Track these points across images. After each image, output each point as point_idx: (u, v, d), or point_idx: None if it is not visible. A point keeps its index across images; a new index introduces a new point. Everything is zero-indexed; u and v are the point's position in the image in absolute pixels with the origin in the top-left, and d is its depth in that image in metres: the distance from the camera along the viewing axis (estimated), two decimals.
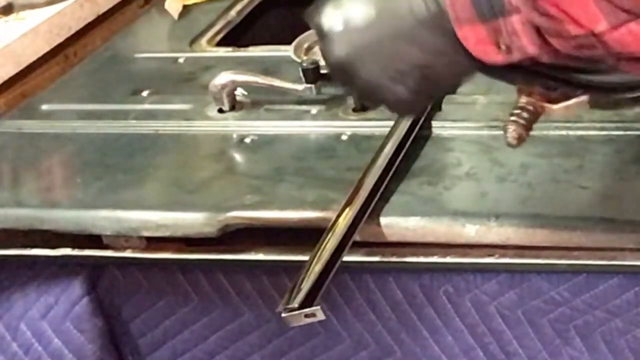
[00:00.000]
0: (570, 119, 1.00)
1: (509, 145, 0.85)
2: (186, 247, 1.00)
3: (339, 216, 0.91)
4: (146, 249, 1.01)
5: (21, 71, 1.35)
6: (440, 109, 1.08)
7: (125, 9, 1.52)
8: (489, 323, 0.94)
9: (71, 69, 1.36)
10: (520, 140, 0.85)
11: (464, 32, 0.71)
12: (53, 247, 1.02)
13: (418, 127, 1.04)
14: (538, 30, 0.69)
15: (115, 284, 1.03)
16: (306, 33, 1.25)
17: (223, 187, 1.02)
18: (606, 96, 0.83)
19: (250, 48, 1.31)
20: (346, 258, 0.89)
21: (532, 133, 1.00)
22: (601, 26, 0.66)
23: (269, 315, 1.00)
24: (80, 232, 1.01)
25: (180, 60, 1.31)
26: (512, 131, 0.85)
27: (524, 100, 0.85)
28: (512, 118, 0.85)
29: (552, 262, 0.89)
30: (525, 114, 0.85)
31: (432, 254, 0.92)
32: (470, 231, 0.90)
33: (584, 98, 0.84)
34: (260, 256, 0.97)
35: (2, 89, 1.32)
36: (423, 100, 0.82)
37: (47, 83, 1.34)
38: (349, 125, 1.08)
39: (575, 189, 0.92)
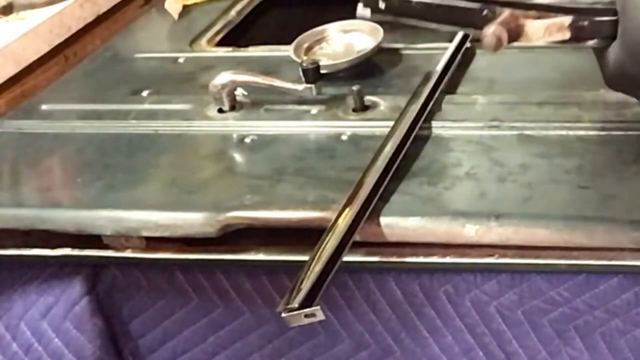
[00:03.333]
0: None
1: (487, 48, 0.86)
2: (186, 247, 1.00)
3: (338, 216, 0.91)
4: (146, 249, 1.01)
5: (21, 71, 1.35)
6: (440, 109, 1.08)
7: (125, 9, 1.53)
8: (488, 323, 0.94)
9: (71, 69, 1.36)
10: (499, 44, 0.85)
11: None
12: (53, 247, 1.02)
13: (418, 127, 1.04)
14: None
15: (115, 284, 1.03)
16: (306, 33, 1.25)
17: (223, 187, 1.02)
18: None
19: (250, 48, 1.32)
20: (346, 258, 0.89)
21: (531, 133, 1.01)
22: None
23: (269, 315, 1.00)
24: (80, 232, 1.01)
25: (180, 60, 1.31)
26: (492, 32, 0.85)
27: (505, 14, 0.86)
28: (494, 23, 0.85)
29: (552, 262, 0.89)
30: (505, 23, 0.86)
31: (432, 254, 0.92)
32: (470, 231, 0.90)
33: (565, 19, 0.86)
34: (260, 256, 0.97)
35: (2, 89, 1.32)
36: None
37: (47, 83, 1.34)
38: (349, 125, 1.08)
39: (575, 189, 0.92)
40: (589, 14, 0.87)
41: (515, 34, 0.87)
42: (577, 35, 0.88)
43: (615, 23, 0.86)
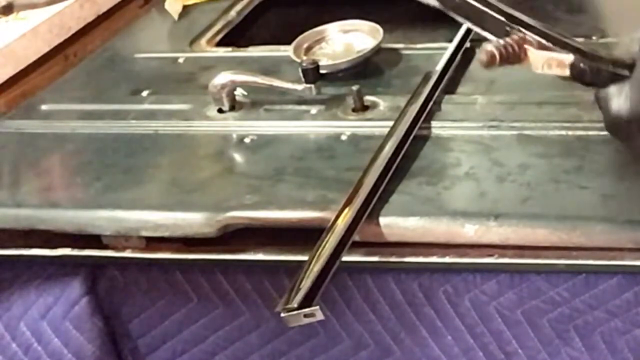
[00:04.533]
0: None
1: (480, 62, 0.88)
2: (185, 247, 1.00)
3: (338, 216, 0.91)
4: (145, 249, 1.01)
5: (21, 71, 1.35)
6: (439, 108, 1.08)
7: (125, 9, 1.53)
8: (488, 323, 0.94)
9: (71, 69, 1.36)
10: (491, 61, 0.87)
11: None
12: (53, 247, 1.02)
13: (417, 127, 1.04)
14: None
15: (115, 284, 1.03)
16: (306, 33, 1.25)
17: (223, 187, 1.02)
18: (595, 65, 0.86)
19: (250, 48, 1.32)
20: (345, 258, 0.89)
21: (531, 133, 1.01)
22: None
23: (269, 315, 1.00)
24: (80, 232, 1.01)
25: (180, 60, 1.31)
26: (487, 49, 0.87)
27: (512, 37, 0.89)
28: (493, 42, 0.88)
29: (552, 262, 0.89)
30: (506, 46, 0.88)
31: (432, 254, 0.92)
32: (470, 231, 0.90)
33: (566, 57, 0.86)
34: (259, 256, 0.97)
35: (2, 89, 1.32)
36: None
37: (47, 83, 1.34)
38: (348, 125, 1.08)
39: (575, 189, 0.92)
40: (593, 59, 0.86)
41: (515, 57, 0.88)
42: (576, 76, 0.87)
43: (613, 75, 0.85)
